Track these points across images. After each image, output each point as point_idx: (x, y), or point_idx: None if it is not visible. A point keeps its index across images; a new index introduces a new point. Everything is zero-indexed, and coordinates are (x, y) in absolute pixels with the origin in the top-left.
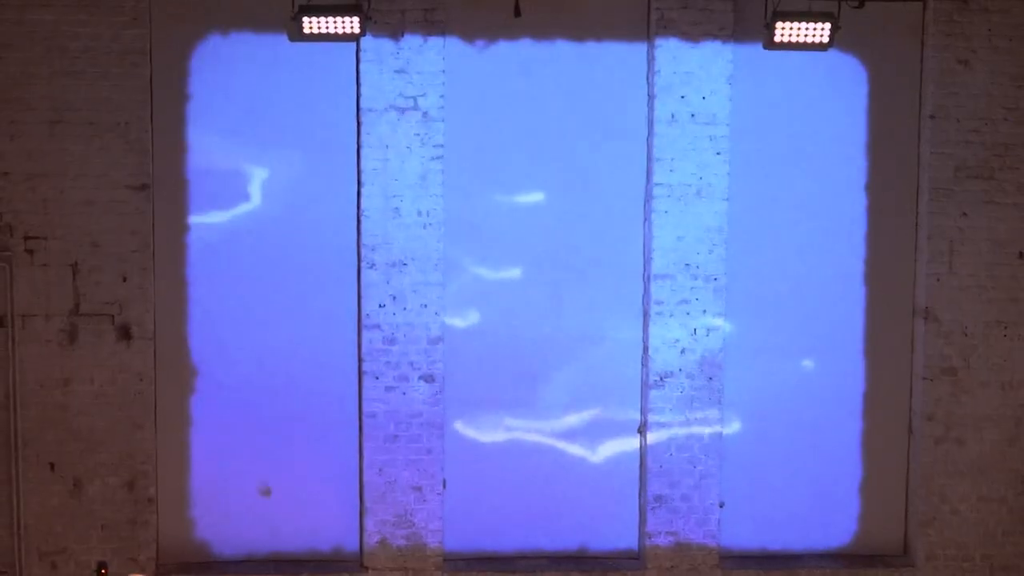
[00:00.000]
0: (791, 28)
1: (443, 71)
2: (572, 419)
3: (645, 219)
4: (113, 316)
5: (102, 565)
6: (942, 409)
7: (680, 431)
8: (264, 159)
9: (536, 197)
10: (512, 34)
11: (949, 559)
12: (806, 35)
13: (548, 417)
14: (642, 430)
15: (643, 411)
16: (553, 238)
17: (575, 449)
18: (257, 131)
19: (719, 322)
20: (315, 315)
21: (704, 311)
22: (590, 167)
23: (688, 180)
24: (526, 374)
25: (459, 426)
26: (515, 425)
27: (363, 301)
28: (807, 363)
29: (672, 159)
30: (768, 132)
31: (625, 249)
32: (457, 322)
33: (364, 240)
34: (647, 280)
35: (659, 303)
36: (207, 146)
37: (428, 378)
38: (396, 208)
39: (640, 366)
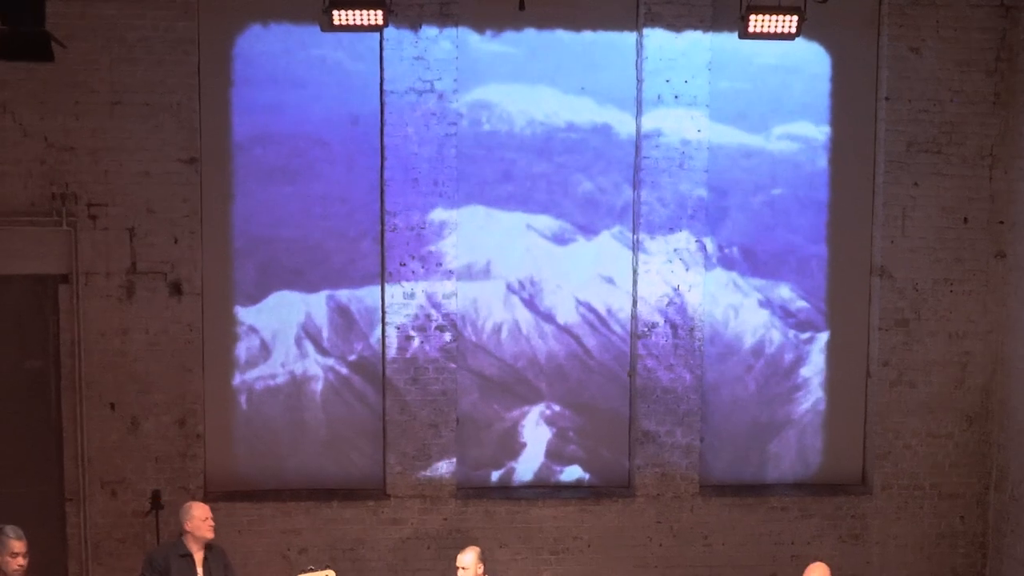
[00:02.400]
0: (763, 20)
1: (456, 58)
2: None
3: (635, 188)
4: (166, 274)
5: (156, 493)
6: (896, 356)
7: (664, 375)
8: (298, 136)
9: (542, 166)
10: (517, 25)
11: (902, 488)
12: (776, 26)
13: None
14: (631, 374)
15: (633, 357)
16: (555, 198)
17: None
18: (293, 110)
19: (699, 279)
20: (345, 272)
21: (687, 268)
22: (587, 142)
23: (672, 155)
24: (530, 319)
25: (470, 370)
26: (519, 365)
27: (386, 260)
28: (777, 315)
29: (658, 135)
30: (743, 111)
31: (620, 213)
32: (469, 278)
33: (387, 207)
34: (636, 243)
35: (646, 261)
36: (248, 124)
37: (443, 328)
38: (415, 179)
39: (631, 318)
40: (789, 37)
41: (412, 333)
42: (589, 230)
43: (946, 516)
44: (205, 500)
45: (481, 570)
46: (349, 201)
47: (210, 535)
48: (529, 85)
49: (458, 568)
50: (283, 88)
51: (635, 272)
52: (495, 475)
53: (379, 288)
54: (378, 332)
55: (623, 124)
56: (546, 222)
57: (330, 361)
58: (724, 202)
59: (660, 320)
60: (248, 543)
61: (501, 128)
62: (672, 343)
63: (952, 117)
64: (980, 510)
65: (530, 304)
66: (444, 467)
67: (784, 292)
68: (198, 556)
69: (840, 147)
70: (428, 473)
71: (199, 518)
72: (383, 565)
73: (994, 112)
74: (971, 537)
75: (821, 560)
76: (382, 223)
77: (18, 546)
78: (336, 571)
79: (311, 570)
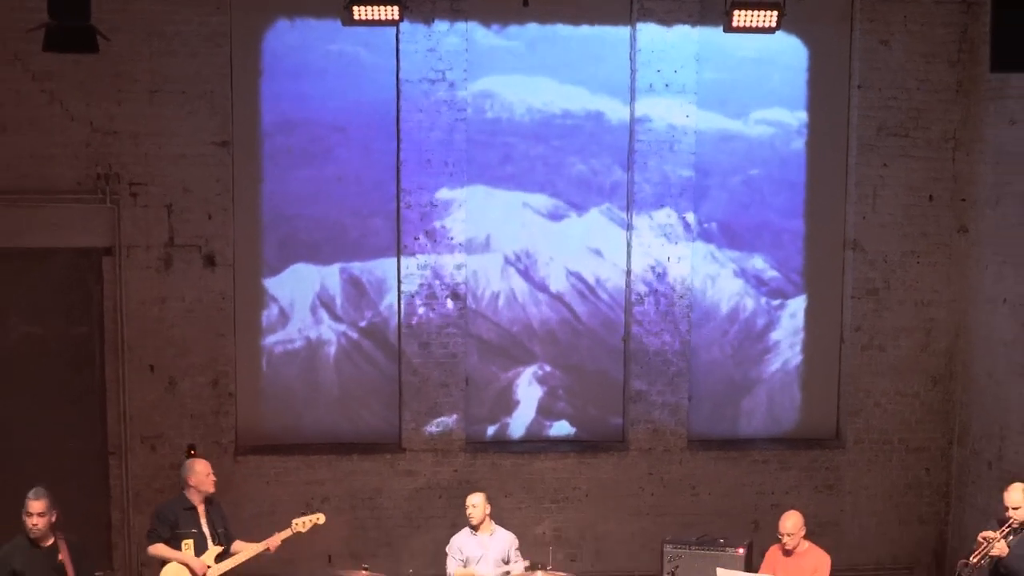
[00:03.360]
0: (745, 15)
1: (465, 50)
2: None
3: (628, 169)
4: (200, 247)
5: (191, 447)
6: (867, 322)
7: (654, 340)
8: (320, 123)
9: (539, 149)
10: (521, 20)
11: (872, 442)
12: (758, 21)
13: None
14: (626, 339)
15: (626, 324)
16: (550, 179)
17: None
18: (315, 99)
19: (687, 251)
20: (364, 245)
21: (676, 242)
22: (581, 127)
23: (662, 138)
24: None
25: (471, 335)
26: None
27: (402, 235)
28: (758, 285)
29: (651, 120)
30: (726, 99)
31: (608, 192)
32: (471, 251)
33: (403, 185)
34: (630, 218)
35: (639, 235)
36: (275, 111)
37: (454, 296)
38: (428, 160)
39: (624, 287)
40: (770, 31)
41: (424, 301)
42: (580, 207)
43: (913, 468)
44: (235, 454)
45: (488, 510)
46: (363, 182)
47: (212, 489)
48: (529, 76)
49: (468, 506)
50: (307, 78)
51: (629, 246)
52: (491, 430)
53: (390, 260)
54: (388, 300)
55: (615, 111)
56: (541, 200)
57: (342, 327)
58: (706, 181)
59: (649, 290)
60: (275, 493)
61: (503, 115)
62: (661, 311)
63: (918, 104)
64: (944, 463)
65: (525, 275)
66: (454, 423)
67: (766, 263)
68: (200, 509)
69: (816, 131)
70: (439, 429)
71: (202, 473)
72: (399, 513)
73: (956, 100)
74: (935, 487)
75: (797, 509)
76: (398, 200)
77: (34, 507)
78: (356, 518)
79: (303, 514)
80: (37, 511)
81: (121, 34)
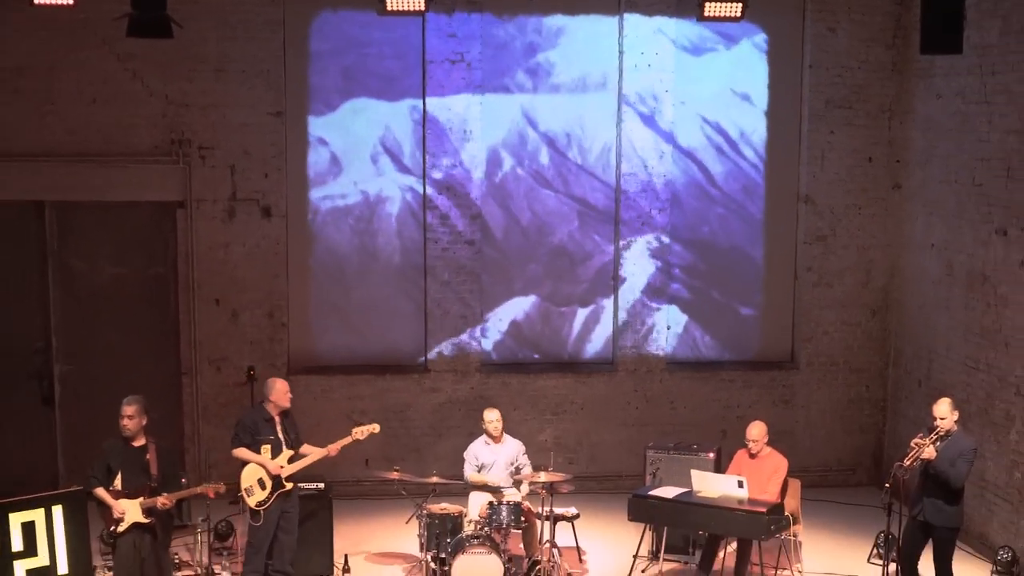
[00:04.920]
0: (715, 6)
1: (480, 35)
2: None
3: (616, 136)
4: (258, 200)
5: (251, 368)
6: (816, 263)
7: (642, 279)
8: (361, 96)
9: (543, 121)
10: (528, 11)
11: (821, 364)
12: (725, 11)
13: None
14: (615, 278)
15: (616, 266)
16: (556, 143)
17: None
18: (356, 76)
19: (666, 206)
20: (394, 199)
21: (656, 198)
22: (580, 99)
23: (646, 110)
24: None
25: (489, 274)
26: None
27: (427, 189)
28: (726, 235)
29: (636, 95)
30: (700, 76)
31: (603, 157)
32: (492, 204)
33: (428, 149)
34: (618, 179)
35: (625, 193)
36: (322, 85)
37: (469, 242)
38: (449, 128)
39: (614, 237)
40: (735, 20)
41: (447, 245)
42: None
43: (855, 386)
44: (288, 375)
45: (502, 424)
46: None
47: (288, 405)
48: (532, 59)
49: (491, 420)
50: (346, 60)
51: (617, 201)
52: (508, 355)
53: (421, 211)
54: (420, 242)
55: (609, 77)
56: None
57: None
58: (684, 147)
59: (639, 238)
60: (321, 407)
61: (512, 88)
62: (647, 256)
63: (860, 81)
64: (881, 381)
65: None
66: (471, 346)
67: (731, 217)
68: (277, 419)
69: (774, 103)
70: (458, 352)
71: (281, 391)
72: (425, 423)
73: (892, 77)
74: (874, 402)
75: (760, 419)
76: (424, 162)
77: (126, 410)
78: (388, 428)
79: (361, 424)
80: (128, 414)
81: (192, 22)
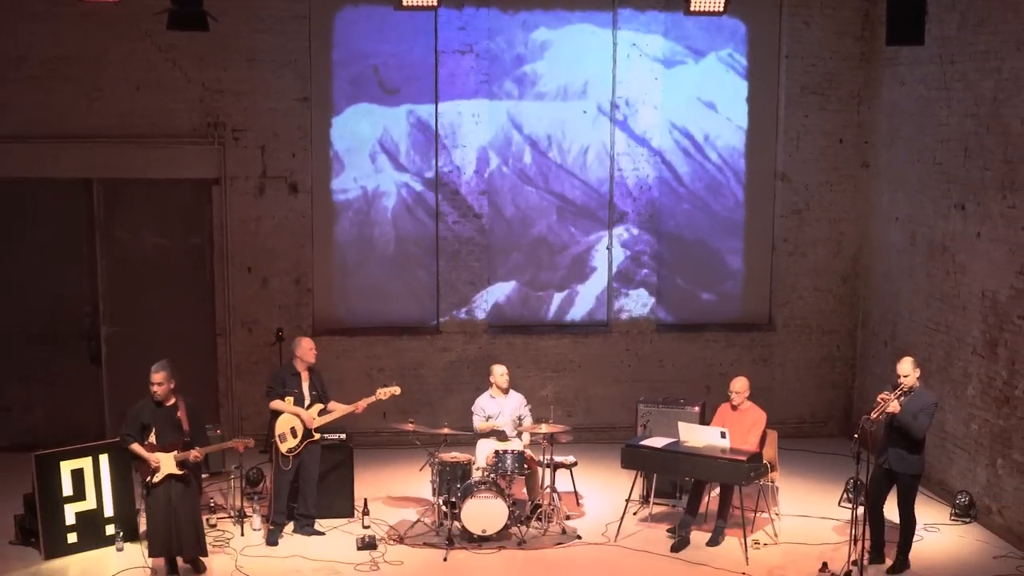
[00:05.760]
0: (701, 1)
1: (488, 28)
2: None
3: (611, 120)
4: (286, 177)
5: (279, 330)
6: (792, 235)
7: (635, 246)
8: (375, 87)
9: (547, 102)
10: (530, 6)
11: (796, 326)
12: (710, 5)
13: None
14: (610, 247)
15: (610, 235)
16: (556, 124)
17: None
18: (372, 68)
19: (653, 179)
20: (405, 173)
21: (647, 175)
22: (561, 106)
23: (637, 96)
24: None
25: (496, 246)
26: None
27: (439, 164)
28: (708, 207)
29: (628, 80)
30: (671, 87)
31: (580, 157)
32: (498, 183)
33: (440, 131)
34: (612, 157)
35: (620, 170)
36: (343, 72)
37: (477, 216)
38: (459, 112)
39: (607, 208)
40: (719, 13)
41: (457, 219)
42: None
43: (827, 346)
44: (312, 335)
45: (508, 378)
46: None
47: (313, 360)
48: (519, 70)
49: (500, 374)
50: (366, 50)
51: (612, 178)
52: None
53: (434, 186)
54: (433, 217)
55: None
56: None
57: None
58: (675, 126)
59: (629, 210)
60: (343, 365)
61: (500, 95)
62: (638, 225)
63: (832, 69)
64: (850, 341)
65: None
66: (479, 310)
67: (714, 192)
68: (304, 375)
69: (753, 89)
70: (467, 316)
71: (306, 347)
72: (437, 380)
73: (860, 66)
74: (844, 360)
75: (742, 375)
76: (437, 142)
77: (155, 377)
78: (404, 384)
79: (385, 386)
80: (157, 380)
81: (226, 16)
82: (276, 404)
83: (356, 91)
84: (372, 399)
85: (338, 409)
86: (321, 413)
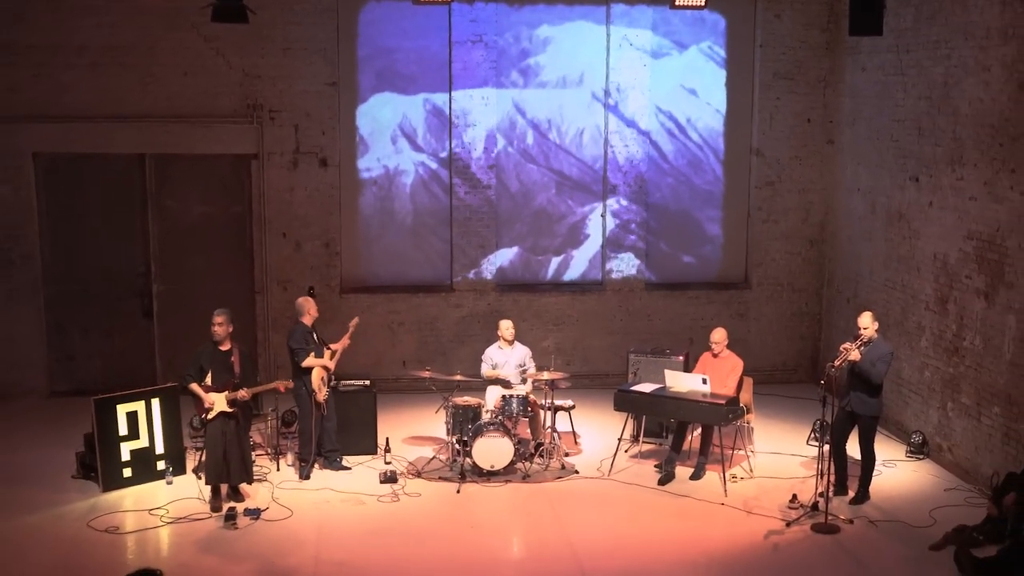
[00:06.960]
0: None
1: (496, 20)
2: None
3: (605, 105)
4: (317, 153)
5: (311, 288)
6: (766, 204)
7: (625, 215)
8: (396, 72)
9: (548, 89)
10: (534, 1)
11: (769, 285)
12: (692, 1)
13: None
14: (604, 214)
15: (603, 206)
16: (556, 108)
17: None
18: (394, 55)
19: (641, 155)
20: (422, 153)
21: (635, 153)
22: (560, 93)
23: (629, 82)
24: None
25: (502, 216)
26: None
27: (452, 143)
28: (690, 180)
29: (620, 70)
30: (658, 76)
31: (576, 138)
32: (503, 164)
33: (454, 111)
34: (605, 140)
35: (612, 148)
36: (368, 61)
37: (486, 187)
38: (470, 95)
39: (600, 183)
40: (700, 8)
41: (468, 189)
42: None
43: (796, 303)
44: (340, 293)
45: (514, 331)
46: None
47: (317, 315)
48: (524, 62)
49: (507, 327)
50: (388, 40)
51: (605, 156)
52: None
53: (448, 163)
54: (447, 188)
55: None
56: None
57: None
58: (663, 111)
59: (620, 182)
60: (366, 319)
61: (522, 63)
62: (629, 193)
63: (800, 57)
64: (817, 299)
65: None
66: (487, 271)
67: (694, 167)
68: (313, 330)
69: (731, 75)
70: (477, 276)
71: (314, 306)
72: (450, 333)
73: (826, 54)
74: (811, 316)
75: (721, 327)
76: (450, 122)
77: (217, 319)
78: (421, 336)
79: (351, 320)
80: (218, 322)
81: (263, 10)
82: (310, 361)
83: (379, 82)
84: (348, 334)
85: (338, 347)
86: (331, 355)
